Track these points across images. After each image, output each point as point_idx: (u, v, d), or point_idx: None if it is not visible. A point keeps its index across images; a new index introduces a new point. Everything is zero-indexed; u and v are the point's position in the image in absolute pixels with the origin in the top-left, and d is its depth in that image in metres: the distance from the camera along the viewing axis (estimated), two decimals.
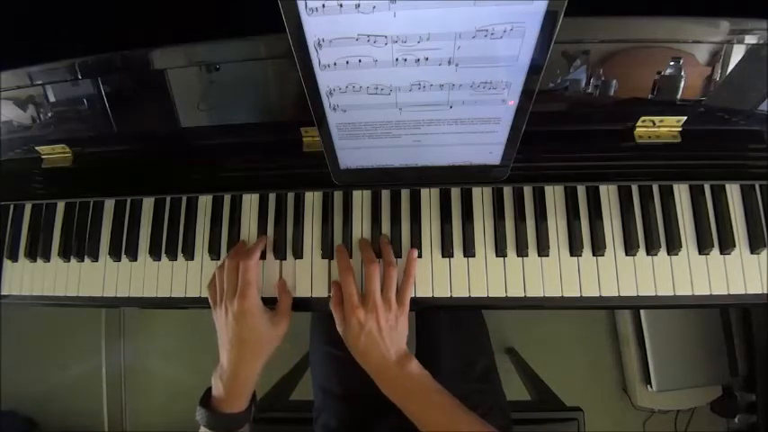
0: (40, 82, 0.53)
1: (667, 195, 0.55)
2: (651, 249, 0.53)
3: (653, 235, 0.53)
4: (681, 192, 0.55)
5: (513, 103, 0.39)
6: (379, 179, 0.51)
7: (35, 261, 0.64)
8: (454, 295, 0.54)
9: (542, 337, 1.30)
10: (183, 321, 1.42)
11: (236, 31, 0.46)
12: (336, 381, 0.67)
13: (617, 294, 0.53)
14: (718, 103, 0.51)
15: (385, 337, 0.50)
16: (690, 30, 0.44)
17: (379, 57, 0.35)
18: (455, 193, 0.57)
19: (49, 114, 0.58)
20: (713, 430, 1.23)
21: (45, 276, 0.63)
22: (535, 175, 0.54)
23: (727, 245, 0.53)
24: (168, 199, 0.61)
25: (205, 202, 0.61)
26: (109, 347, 1.42)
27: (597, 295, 0.53)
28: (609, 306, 0.58)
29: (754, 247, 0.53)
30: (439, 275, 0.55)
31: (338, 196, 0.58)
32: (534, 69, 0.35)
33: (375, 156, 0.48)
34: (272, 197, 0.60)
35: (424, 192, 0.57)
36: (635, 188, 0.55)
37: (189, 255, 0.59)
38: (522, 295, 0.54)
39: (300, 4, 0.31)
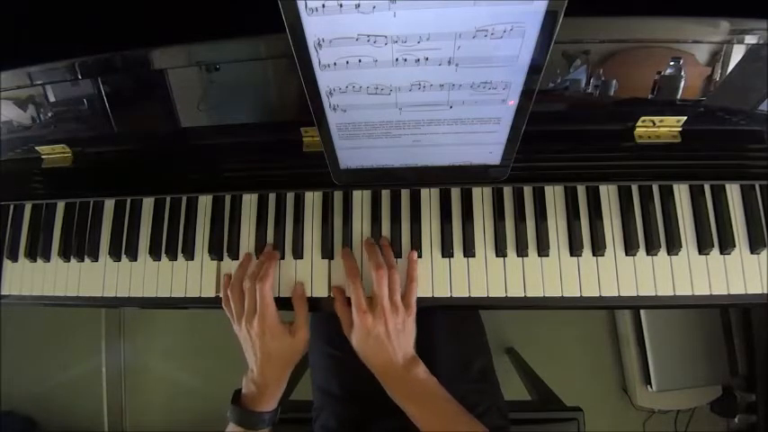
0: (40, 82, 0.53)
1: (667, 195, 0.55)
2: (651, 249, 0.53)
3: (653, 235, 0.53)
4: (681, 192, 0.55)
5: (513, 103, 0.39)
6: (379, 179, 0.51)
7: (35, 261, 0.64)
8: (454, 295, 0.54)
9: (542, 337, 1.30)
10: (183, 321, 1.42)
11: (236, 31, 0.46)
12: (336, 381, 0.67)
13: (617, 294, 0.53)
14: (718, 102, 0.51)
15: (393, 340, 0.50)
16: (690, 30, 0.44)
17: (379, 57, 0.35)
18: (455, 193, 0.57)
19: (49, 114, 0.58)
20: (713, 430, 1.23)
21: (45, 276, 0.63)
22: (535, 175, 0.54)
23: (727, 245, 0.53)
24: (168, 199, 0.61)
25: (205, 202, 0.61)
26: (109, 347, 1.42)
27: (597, 295, 0.53)
28: (609, 306, 0.58)
29: (754, 247, 0.53)
30: (439, 275, 0.55)
31: (338, 196, 0.58)
32: (534, 69, 0.35)
33: (375, 156, 0.48)
34: (271, 197, 0.59)
35: (424, 192, 0.57)
36: (635, 188, 0.55)
37: (189, 255, 0.59)
38: (522, 295, 0.54)
39: (300, 4, 0.31)
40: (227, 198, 0.60)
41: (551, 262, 0.54)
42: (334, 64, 0.35)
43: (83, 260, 0.62)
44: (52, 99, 0.55)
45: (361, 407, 0.64)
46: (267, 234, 0.58)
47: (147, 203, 0.62)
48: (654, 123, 0.54)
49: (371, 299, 0.52)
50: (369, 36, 0.33)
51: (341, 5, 0.30)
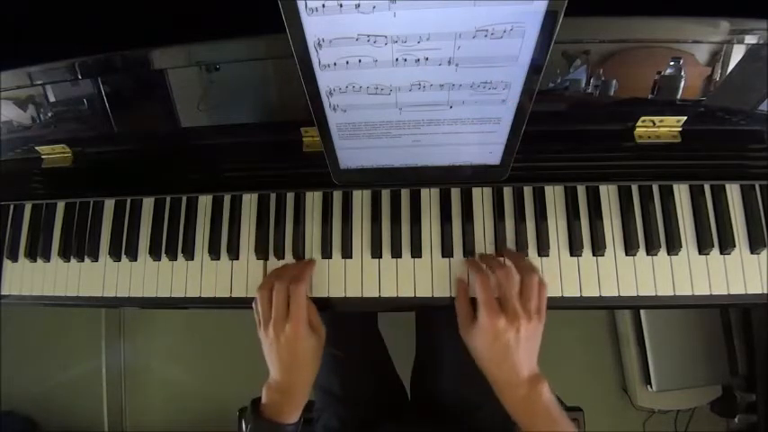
0: (40, 82, 0.53)
1: (667, 195, 0.55)
2: (651, 249, 0.53)
3: (653, 235, 0.53)
4: (681, 192, 0.55)
5: (513, 103, 0.39)
6: (379, 179, 0.51)
7: (35, 261, 0.64)
8: (455, 295, 0.54)
9: (542, 337, 1.30)
10: (183, 321, 1.42)
11: (236, 31, 0.46)
12: (338, 382, 0.67)
13: (617, 294, 0.53)
14: (718, 102, 0.51)
15: (522, 350, 0.47)
16: (690, 30, 0.44)
17: (379, 57, 0.35)
18: (455, 193, 0.57)
19: (49, 114, 0.58)
20: (713, 430, 1.23)
21: (45, 276, 0.63)
22: (535, 175, 0.54)
23: (727, 245, 0.53)
24: (168, 199, 0.61)
25: (205, 202, 0.61)
26: (109, 347, 1.42)
27: (597, 295, 0.53)
28: (609, 306, 0.58)
29: (754, 247, 0.53)
30: (439, 276, 0.55)
31: (338, 196, 0.58)
32: (534, 69, 0.35)
33: (375, 156, 0.48)
34: (272, 197, 0.59)
35: (424, 192, 0.57)
36: (635, 188, 0.55)
37: (189, 255, 0.59)
38: None
39: (300, 4, 0.31)
40: (227, 198, 0.60)
41: (551, 262, 0.54)
42: (335, 64, 0.35)
43: (83, 260, 0.62)
44: (52, 99, 0.55)
45: (363, 408, 0.64)
46: (267, 234, 0.58)
47: (147, 203, 0.62)
48: (654, 123, 0.54)
49: (500, 300, 0.48)
50: (369, 36, 0.33)
51: (341, 5, 0.30)
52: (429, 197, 0.57)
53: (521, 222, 0.55)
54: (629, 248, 0.54)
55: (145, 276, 0.60)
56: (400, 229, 0.56)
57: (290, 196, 0.59)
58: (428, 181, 0.54)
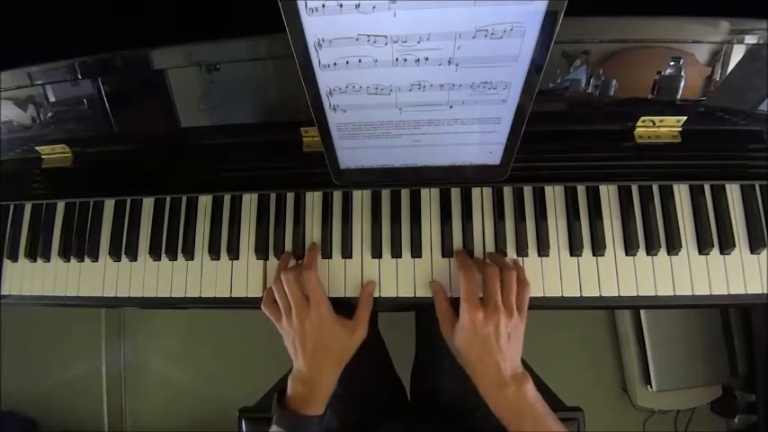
0: (40, 82, 0.53)
1: (667, 195, 0.55)
2: (651, 249, 0.53)
3: (653, 235, 0.53)
4: (681, 192, 0.55)
5: (513, 102, 0.39)
6: (379, 179, 0.51)
7: (35, 261, 0.64)
8: (454, 295, 0.54)
9: (542, 337, 1.30)
10: (183, 321, 1.42)
11: (236, 31, 0.46)
12: (337, 381, 0.66)
13: (617, 294, 0.53)
14: (718, 103, 0.51)
15: (502, 345, 0.47)
16: (690, 30, 0.44)
17: (379, 57, 0.35)
18: (455, 193, 0.57)
19: (49, 114, 0.58)
20: (713, 430, 1.23)
21: (45, 276, 0.63)
22: (535, 175, 0.54)
23: (727, 245, 0.53)
24: (168, 199, 0.61)
25: (205, 202, 0.61)
26: (109, 347, 1.42)
27: (597, 295, 0.53)
28: (609, 306, 0.58)
29: (754, 247, 0.53)
30: (439, 276, 0.55)
31: (338, 196, 0.58)
32: (534, 69, 0.35)
33: (375, 156, 0.48)
34: (272, 197, 0.59)
35: (424, 192, 0.57)
36: (635, 188, 0.55)
37: (189, 255, 0.59)
38: None
39: (300, 4, 0.31)
40: (227, 198, 0.60)
41: (551, 262, 0.54)
42: (335, 64, 0.35)
43: (83, 260, 0.62)
44: (52, 99, 0.55)
45: (363, 408, 0.64)
46: (267, 234, 0.58)
47: (147, 203, 0.62)
48: (654, 123, 0.54)
49: (482, 298, 0.49)
50: (369, 36, 0.33)
51: (341, 5, 0.30)
52: (429, 197, 0.57)
53: (521, 222, 0.55)
54: (629, 248, 0.54)
55: (145, 276, 0.60)
56: (400, 229, 0.56)
57: (290, 196, 0.59)
58: (428, 181, 0.54)
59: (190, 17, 0.50)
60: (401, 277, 0.55)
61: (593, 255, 0.54)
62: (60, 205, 0.65)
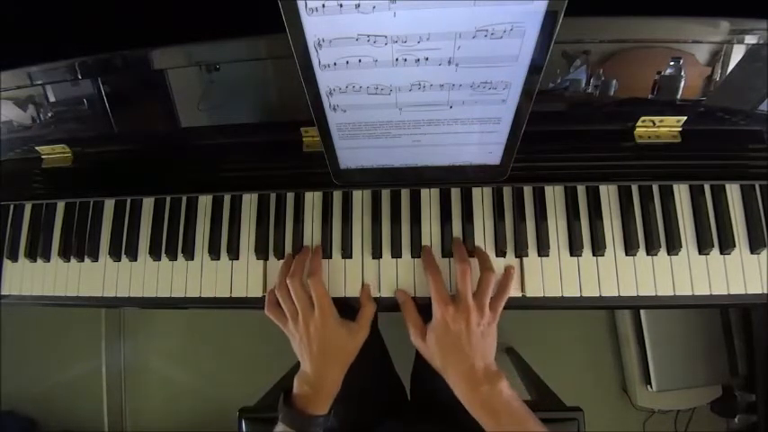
0: (40, 82, 0.53)
1: (667, 195, 0.55)
2: (651, 249, 0.53)
3: (653, 235, 0.53)
4: (681, 192, 0.55)
5: (513, 103, 0.39)
6: (379, 179, 0.51)
7: (35, 261, 0.64)
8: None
9: (542, 337, 1.30)
10: (183, 321, 1.42)
11: (236, 31, 0.46)
12: None
13: (617, 294, 0.53)
14: (718, 103, 0.51)
15: (474, 342, 0.47)
16: (690, 30, 0.44)
17: (379, 57, 0.35)
18: (455, 193, 0.57)
19: (49, 114, 0.58)
20: (713, 430, 1.23)
21: (45, 276, 0.63)
22: (535, 175, 0.54)
23: (727, 245, 0.53)
24: (168, 199, 0.61)
25: (205, 202, 0.61)
26: (109, 347, 1.42)
27: (597, 295, 0.53)
28: (609, 306, 0.58)
29: (754, 247, 0.53)
30: None
31: (338, 196, 0.58)
32: (534, 69, 0.35)
33: (375, 156, 0.48)
34: (272, 197, 0.59)
35: (424, 192, 0.57)
36: (635, 188, 0.55)
37: (189, 255, 0.59)
38: (522, 295, 0.54)
39: (300, 4, 0.31)
40: (227, 198, 0.60)
41: (551, 262, 0.54)
42: (335, 64, 0.35)
43: (83, 260, 0.62)
44: (52, 99, 0.55)
45: (362, 407, 0.64)
46: (267, 234, 0.58)
47: (147, 203, 0.62)
48: (654, 123, 0.54)
49: (457, 295, 0.49)
50: (369, 36, 0.33)
51: (341, 5, 0.30)
52: (429, 197, 0.57)
53: (521, 222, 0.55)
54: (629, 248, 0.54)
55: (145, 276, 0.60)
56: (400, 229, 0.56)
57: (290, 196, 0.59)
58: (428, 181, 0.55)
59: (190, 17, 0.50)
60: (401, 277, 0.55)
61: (593, 255, 0.54)
62: (60, 205, 0.65)
